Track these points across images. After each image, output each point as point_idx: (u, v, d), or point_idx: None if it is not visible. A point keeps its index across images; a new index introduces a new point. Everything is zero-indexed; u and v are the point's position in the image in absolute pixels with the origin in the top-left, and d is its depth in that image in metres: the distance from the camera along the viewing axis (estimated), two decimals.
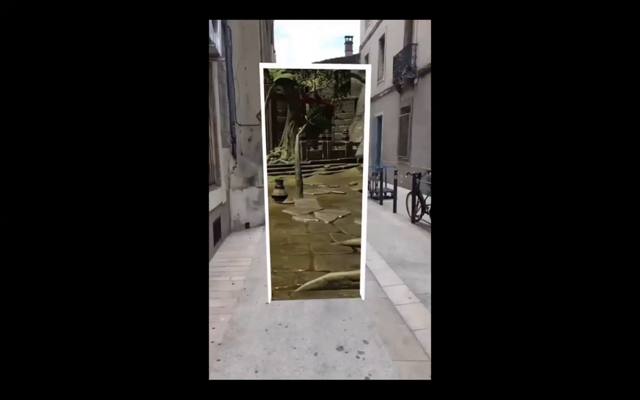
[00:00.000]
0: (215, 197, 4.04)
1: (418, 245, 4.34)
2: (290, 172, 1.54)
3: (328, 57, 26.51)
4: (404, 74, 10.01)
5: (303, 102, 1.49)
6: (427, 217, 5.43)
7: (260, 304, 2.66)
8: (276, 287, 1.63)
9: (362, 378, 1.81)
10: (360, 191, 1.57)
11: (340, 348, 2.08)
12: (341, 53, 22.89)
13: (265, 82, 1.44)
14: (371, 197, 7.81)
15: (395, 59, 10.88)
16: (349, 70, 1.49)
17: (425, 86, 8.87)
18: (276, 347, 2.09)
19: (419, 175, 5.51)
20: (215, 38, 3.56)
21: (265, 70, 1.44)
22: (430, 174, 5.82)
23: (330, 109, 1.51)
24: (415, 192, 5.47)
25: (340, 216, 1.59)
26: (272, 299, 1.64)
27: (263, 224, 3.69)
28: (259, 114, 2.14)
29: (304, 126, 1.51)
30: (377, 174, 7.87)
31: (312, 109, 1.50)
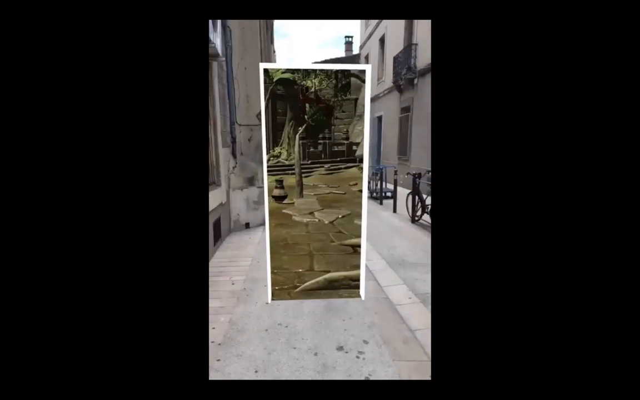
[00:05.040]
0: (215, 197, 4.04)
1: (418, 245, 4.34)
2: (290, 172, 1.54)
3: (328, 57, 26.53)
4: (404, 74, 10.01)
5: (303, 102, 1.49)
6: (427, 217, 5.43)
7: (260, 304, 2.66)
8: (276, 287, 1.63)
9: (362, 378, 1.81)
10: (360, 191, 1.57)
11: (340, 348, 2.08)
12: (341, 53, 22.92)
13: (265, 82, 1.44)
14: (371, 197, 7.81)
15: (395, 59, 10.87)
16: (349, 70, 1.49)
17: (425, 86, 8.87)
18: (276, 347, 2.09)
19: (419, 175, 5.51)
20: (215, 38, 3.56)
21: (265, 70, 1.44)
22: (430, 174, 5.82)
23: (330, 109, 1.51)
24: (415, 192, 5.47)
25: (340, 216, 1.59)
26: (272, 299, 1.64)
27: (263, 224, 3.68)
28: (259, 114, 2.14)
29: (304, 126, 1.51)
30: (377, 174, 7.87)
31: (312, 109, 1.50)
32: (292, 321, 2.39)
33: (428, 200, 5.42)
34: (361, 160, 1.55)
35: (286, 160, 1.53)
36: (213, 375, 1.83)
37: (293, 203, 1.57)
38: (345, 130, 1.53)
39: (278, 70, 1.47)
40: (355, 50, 19.61)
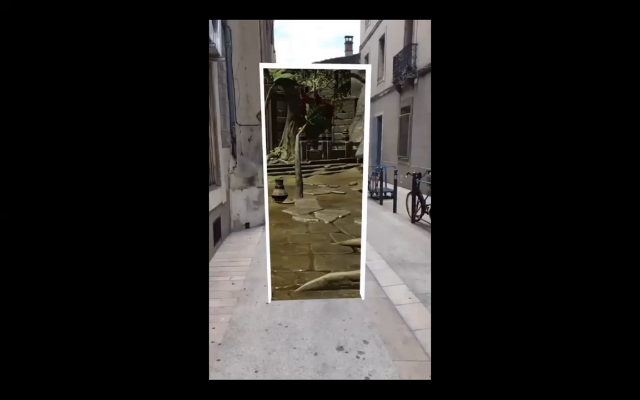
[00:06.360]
0: (215, 197, 4.04)
1: (418, 245, 4.34)
2: (290, 172, 1.54)
3: (328, 57, 26.56)
4: (404, 74, 10.01)
5: (303, 102, 1.49)
6: (427, 217, 5.43)
7: (260, 304, 2.66)
8: (276, 287, 1.63)
9: (362, 378, 1.81)
10: (360, 191, 1.57)
11: (340, 348, 2.08)
12: (341, 53, 22.94)
13: (265, 82, 1.44)
14: (371, 197, 7.81)
15: (395, 59, 10.87)
16: (349, 70, 1.49)
17: (425, 86, 8.87)
18: (276, 347, 2.09)
19: (419, 175, 5.51)
20: (215, 38, 3.56)
21: (265, 70, 1.44)
22: (430, 174, 5.82)
23: (330, 109, 1.51)
24: (415, 192, 5.47)
25: (340, 216, 1.59)
26: (272, 299, 1.64)
27: (263, 224, 3.68)
28: (259, 114, 2.14)
29: (304, 126, 1.51)
30: (377, 174, 7.86)
31: (312, 109, 1.50)
32: (292, 321, 2.39)
33: (428, 200, 5.42)
34: (361, 160, 1.55)
35: (286, 160, 1.53)
36: (213, 375, 1.83)
37: (293, 203, 1.57)
38: (345, 130, 1.53)
39: (278, 70, 1.47)
40: (355, 50, 19.62)
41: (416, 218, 5.51)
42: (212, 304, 2.65)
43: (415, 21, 9.55)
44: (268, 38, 8.33)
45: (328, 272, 1.63)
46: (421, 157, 9.03)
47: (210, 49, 3.56)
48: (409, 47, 9.78)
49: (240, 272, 3.36)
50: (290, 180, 1.55)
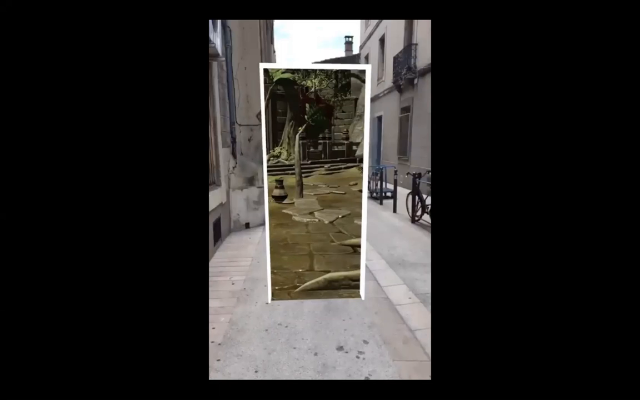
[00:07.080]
0: (215, 197, 4.04)
1: (418, 245, 4.34)
2: (290, 172, 1.54)
3: (328, 57, 26.57)
4: (404, 74, 10.01)
5: (303, 102, 1.49)
6: (427, 217, 5.43)
7: (260, 304, 2.66)
8: (276, 287, 1.63)
9: (362, 378, 1.81)
10: (360, 191, 1.57)
11: (340, 348, 2.08)
12: (341, 53, 22.94)
13: (265, 82, 1.44)
14: (371, 197, 7.81)
15: (395, 59, 10.87)
16: (349, 70, 1.49)
17: (425, 86, 8.87)
18: (276, 347, 2.09)
19: (419, 175, 5.51)
20: (215, 38, 3.56)
21: (265, 70, 1.44)
22: (430, 174, 5.82)
23: (330, 109, 1.51)
24: (415, 192, 5.47)
25: (340, 216, 1.59)
26: (272, 299, 1.64)
27: (263, 224, 3.68)
28: (259, 114, 2.14)
29: (304, 126, 1.51)
30: (377, 174, 7.87)
31: (312, 109, 1.50)
32: (292, 321, 2.39)
33: (428, 200, 5.42)
34: (361, 160, 1.55)
35: (286, 160, 1.53)
36: (213, 375, 1.83)
37: (293, 203, 1.57)
38: (345, 130, 1.53)
39: (278, 70, 1.47)
40: (355, 50, 19.62)
41: (416, 218, 5.51)
42: (212, 304, 2.65)
43: (415, 21, 9.54)
44: (268, 38, 8.33)
45: (328, 272, 1.63)
46: (421, 157, 9.03)
47: (210, 49, 3.56)
48: (409, 47, 9.78)
49: (240, 272, 3.36)
50: (290, 180, 1.55)
